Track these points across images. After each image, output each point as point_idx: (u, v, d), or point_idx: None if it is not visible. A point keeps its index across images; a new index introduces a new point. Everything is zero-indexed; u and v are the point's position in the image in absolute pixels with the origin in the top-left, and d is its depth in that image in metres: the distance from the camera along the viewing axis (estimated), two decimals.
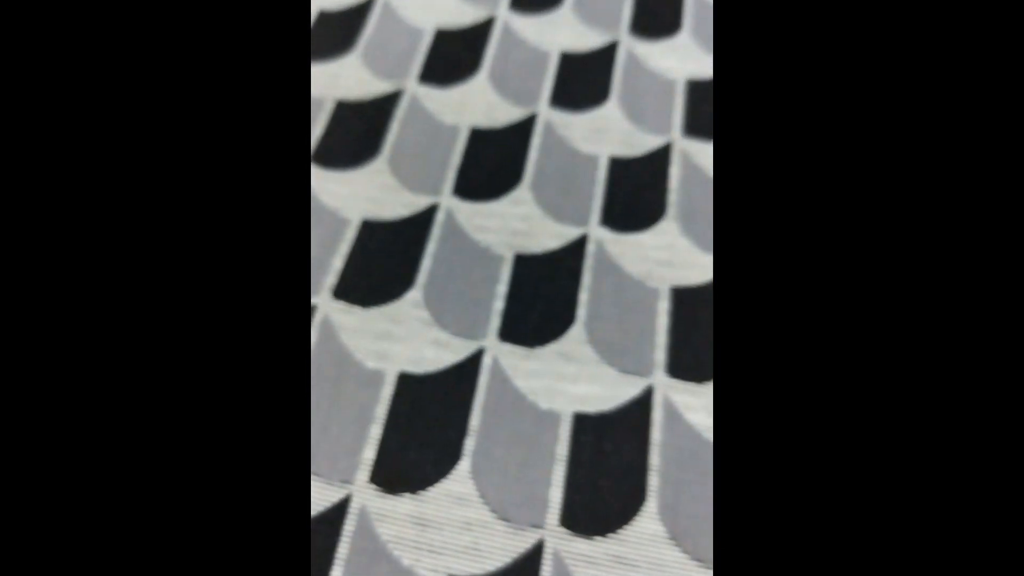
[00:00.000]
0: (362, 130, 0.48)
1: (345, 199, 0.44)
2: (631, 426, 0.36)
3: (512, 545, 0.33)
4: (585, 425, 0.37)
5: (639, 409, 0.37)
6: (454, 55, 0.53)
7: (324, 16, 0.55)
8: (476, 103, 0.50)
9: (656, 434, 0.36)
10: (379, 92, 0.50)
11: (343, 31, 0.54)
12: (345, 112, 0.49)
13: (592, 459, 0.35)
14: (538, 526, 0.33)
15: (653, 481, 0.35)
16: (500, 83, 0.51)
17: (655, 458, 0.35)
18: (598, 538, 0.33)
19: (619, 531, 0.33)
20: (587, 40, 0.54)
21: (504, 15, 0.55)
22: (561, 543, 0.33)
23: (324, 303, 0.40)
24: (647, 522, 0.34)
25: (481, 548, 0.33)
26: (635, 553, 0.33)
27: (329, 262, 0.41)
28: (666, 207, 0.45)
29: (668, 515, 0.34)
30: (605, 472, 0.35)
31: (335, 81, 0.50)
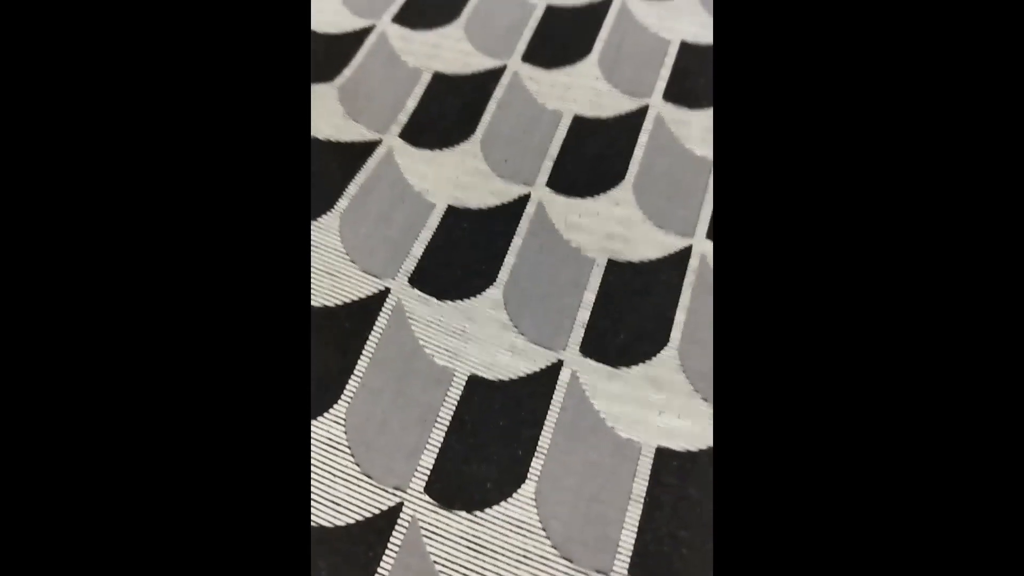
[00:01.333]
0: (457, 107, 0.44)
1: (432, 181, 0.41)
2: None
3: None
4: (669, 464, 0.32)
5: None
6: (564, 35, 0.48)
7: None
8: (582, 89, 0.45)
9: None
10: (479, 68, 0.46)
11: None
12: (441, 86, 0.46)
13: (673, 504, 0.31)
14: (603, 572, 0.30)
15: None
16: (611, 70, 0.47)
17: None
18: None
19: None
20: (708, 30, 0.49)
21: None
22: None
23: (398, 289, 0.37)
24: None
25: None
26: None
27: (410, 247, 0.38)
28: None
29: None
30: (687, 522, 0.31)
31: (435, 52, 0.47)
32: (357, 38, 0.48)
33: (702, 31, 0.49)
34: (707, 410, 0.34)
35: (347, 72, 0.46)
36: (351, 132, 0.43)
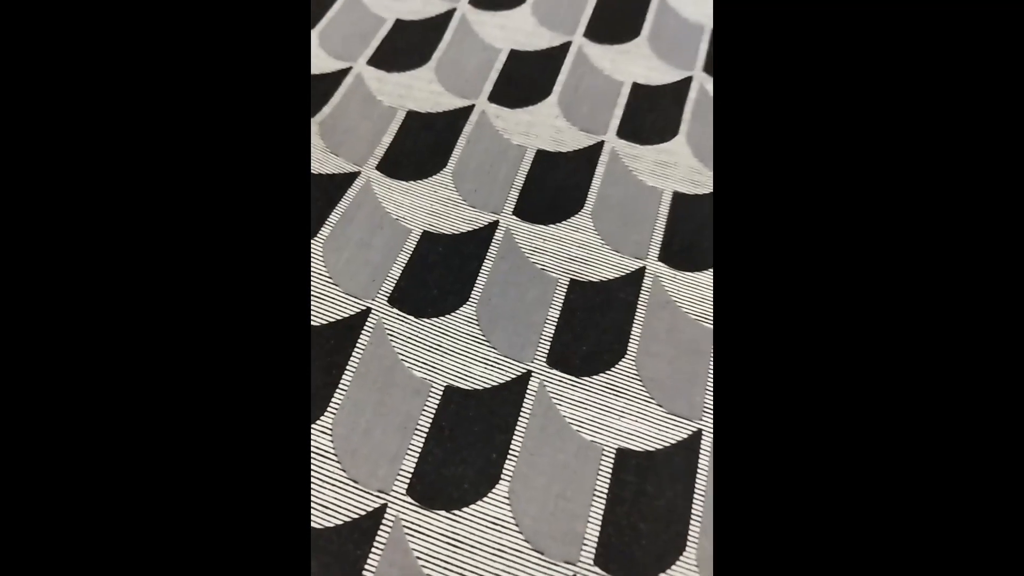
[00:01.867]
0: (430, 143, 0.48)
1: (408, 209, 0.45)
2: (676, 470, 0.35)
3: None
4: (628, 463, 0.36)
5: (685, 454, 0.36)
6: (527, 77, 0.53)
7: (400, 25, 0.56)
8: (544, 126, 0.50)
9: (702, 483, 0.35)
10: (449, 106, 0.50)
11: (419, 43, 0.55)
12: (415, 123, 0.49)
13: (633, 499, 0.35)
14: (571, 563, 0.33)
15: (694, 531, 0.34)
16: (569, 109, 0.51)
17: (698, 507, 0.34)
18: None
19: None
20: (661, 74, 0.54)
21: (580, 42, 0.55)
22: None
23: (379, 308, 0.40)
24: (683, 573, 0.32)
25: None
26: None
27: (388, 269, 0.42)
28: None
29: (706, 569, 0.33)
30: (645, 514, 0.34)
31: (408, 92, 0.51)
32: (335, 79, 0.51)
33: (651, 73, 0.54)
34: (662, 413, 0.37)
35: (326, 109, 0.49)
36: (331, 164, 0.46)
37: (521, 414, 0.37)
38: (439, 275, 0.41)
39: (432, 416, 0.36)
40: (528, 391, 0.38)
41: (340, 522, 0.33)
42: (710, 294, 0.42)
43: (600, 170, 0.48)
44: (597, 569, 0.32)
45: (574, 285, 0.42)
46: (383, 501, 0.34)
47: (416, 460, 0.35)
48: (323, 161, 0.46)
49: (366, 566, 0.32)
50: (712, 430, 0.37)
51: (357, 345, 0.38)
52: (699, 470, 0.35)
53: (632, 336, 0.40)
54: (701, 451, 0.36)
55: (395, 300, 0.40)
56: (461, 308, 0.40)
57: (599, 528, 0.34)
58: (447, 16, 0.57)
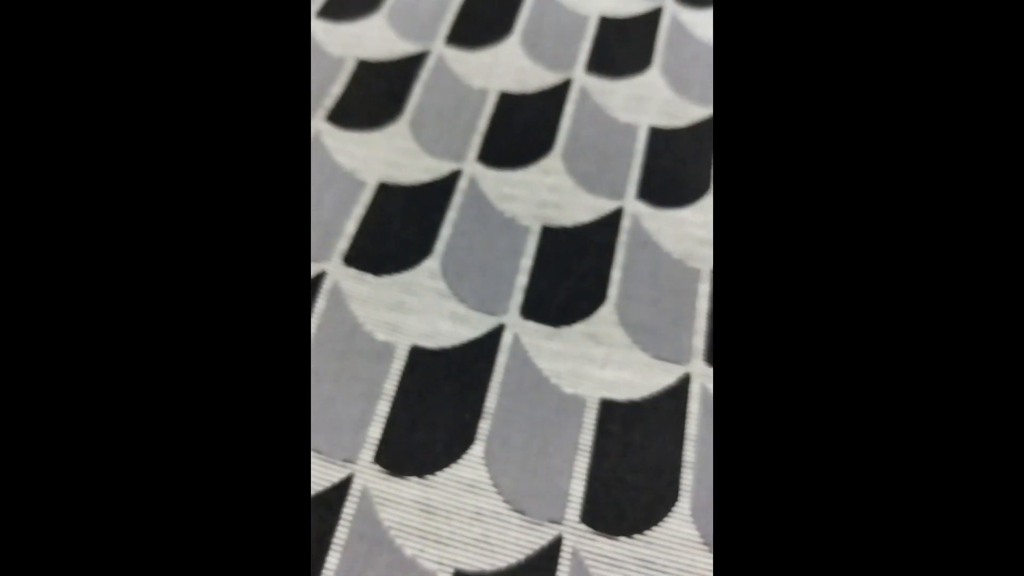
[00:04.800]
0: (383, 91, 0.45)
1: (362, 160, 0.41)
2: (664, 417, 0.33)
3: (527, 540, 0.30)
4: (613, 413, 0.33)
5: (673, 399, 0.33)
6: (485, 16, 0.49)
7: None
8: (507, 67, 0.46)
9: (692, 428, 0.32)
10: (403, 53, 0.47)
11: None
12: (366, 72, 0.46)
13: (619, 451, 0.32)
14: (556, 521, 0.30)
15: (687, 479, 0.31)
16: (533, 47, 0.48)
17: (690, 454, 0.32)
18: (623, 539, 0.30)
19: (646, 532, 0.30)
20: (629, 5, 0.50)
21: None
22: (581, 541, 0.30)
23: (334, 269, 0.37)
24: (678, 524, 0.30)
25: (492, 541, 0.30)
26: (664, 557, 0.29)
27: (342, 226, 0.38)
28: (711, 182, 0.41)
29: (702, 518, 0.30)
30: (633, 466, 0.32)
31: (358, 41, 0.47)
32: None
33: (619, 4, 0.50)
34: (647, 359, 0.35)
35: None
36: None
37: (495, 370, 0.34)
38: (398, 227, 0.38)
39: (398, 380, 0.34)
40: (501, 345, 0.35)
41: None
42: (693, 232, 0.39)
43: (570, 108, 0.44)
44: (584, 527, 0.30)
45: (547, 232, 0.39)
46: (349, 471, 0.31)
47: (383, 427, 0.32)
48: None
49: (333, 540, 0.29)
50: (705, 373, 0.34)
51: (313, 313, 0.35)
52: (688, 414, 0.33)
53: (612, 280, 0.37)
54: (691, 395, 0.33)
55: (351, 259, 0.37)
56: (424, 262, 0.37)
57: (584, 484, 0.31)
58: None
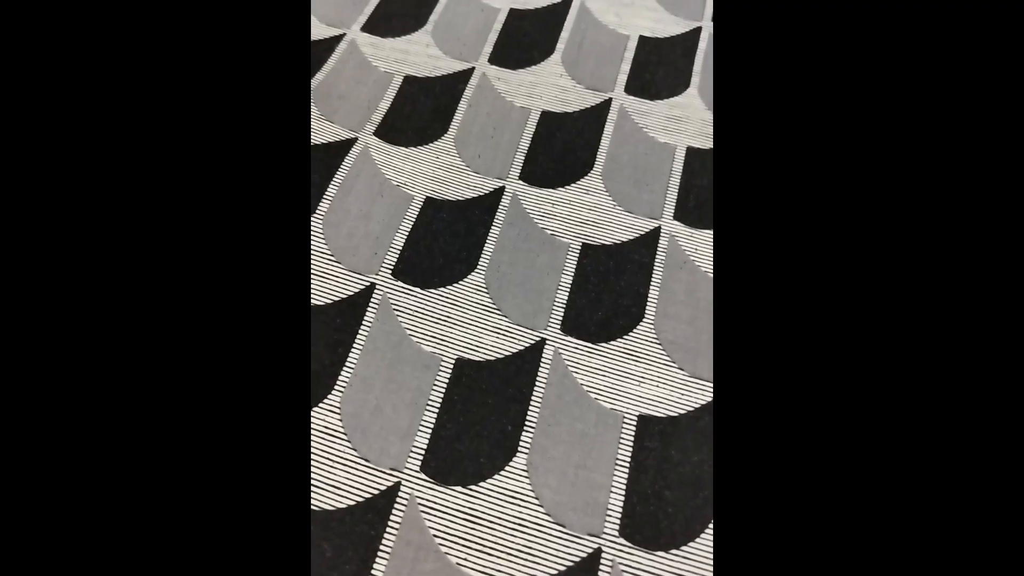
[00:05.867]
0: (429, 108, 0.46)
1: (409, 175, 0.43)
2: (701, 434, 0.34)
3: (567, 552, 0.31)
4: (651, 429, 0.34)
5: (710, 417, 0.34)
6: (527, 36, 0.50)
7: None
8: (548, 86, 0.47)
9: None
10: (448, 69, 0.48)
11: (414, 6, 0.52)
12: (413, 88, 0.47)
13: (657, 466, 0.33)
14: (595, 535, 0.31)
15: None
16: (573, 67, 0.49)
17: None
18: (660, 553, 0.31)
19: (684, 548, 0.31)
20: (668, 25, 0.51)
21: None
22: (620, 555, 0.31)
23: (383, 283, 0.38)
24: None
25: (534, 551, 0.31)
26: (700, 573, 0.30)
27: (390, 240, 0.40)
28: None
29: None
30: (670, 482, 0.32)
31: (404, 57, 0.49)
32: (328, 45, 0.49)
33: (658, 25, 0.51)
34: (683, 377, 0.36)
35: (320, 76, 0.47)
36: (326, 133, 0.44)
37: (536, 384, 0.35)
38: (444, 243, 0.40)
39: (444, 390, 0.35)
40: (543, 359, 0.36)
41: (352, 502, 0.32)
42: None
43: (609, 129, 0.45)
44: (622, 540, 0.31)
45: (586, 249, 0.40)
46: (396, 479, 0.32)
47: (429, 436, 0.33)
48: (318, 130, 0.44)
49: (381, 546, 0.31)
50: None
51: (363, 322, 0.37)
52: None
53: (649, 299, 0.38)
54: None
55: (400, 272, 0.39)
56: (469, 276, 0.39)
57: (623, 498, 0.32)
58: None
